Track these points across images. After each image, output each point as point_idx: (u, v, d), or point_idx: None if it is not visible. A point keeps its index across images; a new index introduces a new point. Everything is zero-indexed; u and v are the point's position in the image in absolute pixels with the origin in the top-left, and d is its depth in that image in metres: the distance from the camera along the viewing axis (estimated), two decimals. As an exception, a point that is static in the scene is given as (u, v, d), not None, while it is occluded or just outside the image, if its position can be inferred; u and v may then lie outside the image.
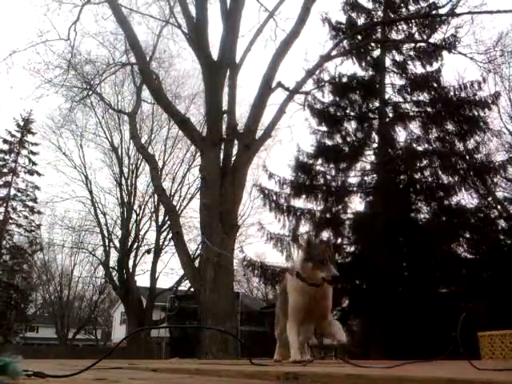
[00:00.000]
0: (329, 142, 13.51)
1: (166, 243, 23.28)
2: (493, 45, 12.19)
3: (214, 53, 11.04)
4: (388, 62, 13.84)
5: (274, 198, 13.12)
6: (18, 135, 26.77)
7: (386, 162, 12.93)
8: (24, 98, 24.80)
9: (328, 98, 13.75)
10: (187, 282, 15.54)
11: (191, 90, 21.99)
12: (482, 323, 7.42)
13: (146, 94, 16.92)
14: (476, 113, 12.57)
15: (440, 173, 12.66)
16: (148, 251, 23.40)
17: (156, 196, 21.08)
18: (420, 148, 13.10)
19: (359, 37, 13.77)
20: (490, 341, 5.72)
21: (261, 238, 13.37)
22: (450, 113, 12.76)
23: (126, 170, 23.76)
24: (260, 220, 14.82)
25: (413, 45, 13.66)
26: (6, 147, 26.53)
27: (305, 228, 13.10)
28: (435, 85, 13.16)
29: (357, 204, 13.33)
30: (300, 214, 12.97)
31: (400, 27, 13.77)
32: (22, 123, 26.74)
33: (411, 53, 13.68)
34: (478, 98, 12.59)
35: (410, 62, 13.66)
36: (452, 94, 12.92)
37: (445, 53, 13.06)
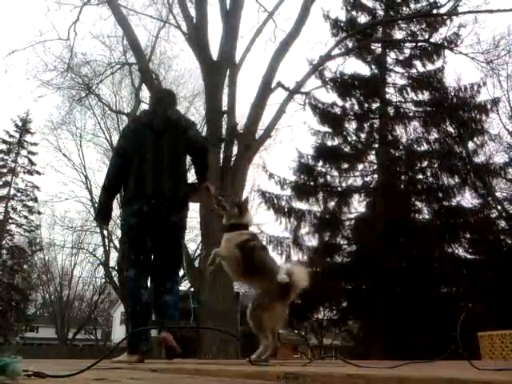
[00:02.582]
0: (330, 143, 13.51)
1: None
2: (494, 45, 12.19)
3: (214, 53, 11.05)
4: (389, 61, 13.85)
5: (275, 201, 13.10)
6: (17, 135, 26.81)
7: (387, 163, 12.94)
8: (23, 97, 24.81)
9: (330, 97, 13.77)
10: (187, 281, 15.54)
11: (190, 91, 21.96)
12: (481, 323, 7.42)
13: (144, 94, 16.95)
14: (475, 116, 12.57)
15: (440, 174, 12.66)
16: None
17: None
18: (421, 149, 13.11)
19: (360, 35, 13.76)
20: (490, 341, 5.72)
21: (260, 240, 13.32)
22: (449, 114, 12.77)
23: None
24: (259, 222, 14.84)
25: (414, 44, 13.66)
26: (5, 147, 26.58)
27: (305, 229, 13.11)
28: (437, 84, 13.16)
29: (357, 205, 13.35)
30: (301, 215, 12.96)
31: (401, 26, 13.78)
32: (20, 123, 26.77)
33: (413, 52, 13.68)
34: (478, 102, 12.59)
35: (411, 61, 13.67)
36: (452, 94, 12.92)
37: (447, 52, 13.07)
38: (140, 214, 3.23)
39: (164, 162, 3.31)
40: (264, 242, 12.78)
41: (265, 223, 14.85)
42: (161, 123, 3.40)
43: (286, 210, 13.00)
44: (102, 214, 3.55)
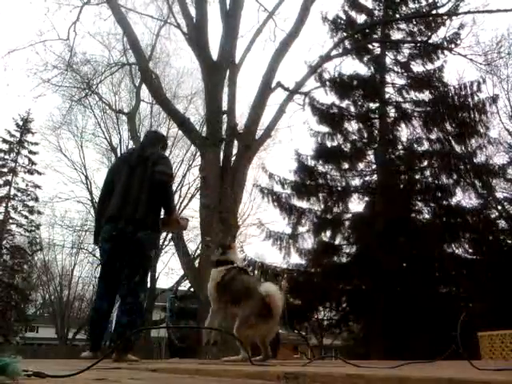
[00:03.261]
0: (330, 143, 13.50)
1: (165, 243, 23.27)
2: (493, 46, 12.20)
3: (214, 53, 11.05)
4: (388, 61, 13.84)
5: (275, 197, 13.11)
6: (18, 135, 26.79)
7: (387, 163, 12.93)
8: (22, 96, 24.85)
9: (329, 97, 13.76)
10: (187, 281, 15.53)
11: (190, 90, 21.97)
12: (481, 323, 7.41)
13: (144, 93, 16.96)
14: (474, 116, 12.55)
15: (440, 173, 12.65)
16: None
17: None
18: (421, 148, 13.09)
19: (359, 35, 13.76)
20: (490, 341, 5.72)
21: (259, 234, 13.42)
22: (449, 114, 12.74)
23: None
24: (260, 218, 14.94)
25: (413, 44, 13.65)
26: (5, 147, 26.57)
27: (306, 227, 13.14)
28: (437, 83, 13.13)
29: (357, 204, 13.35)
30: (301, 213, 12.98)
31: (400, 26, 13.76)
32: (20, 123, 26.75)
33: (412, 51, 13.66)
34: (477, 100, 12.55)
35: (411, 61, 13.65)
36: (452, 93, 12.90)
37: (446, 52, 13.05)
38: (111, 238, 3.72)
39: (132, 193, 3.77)
40: (264, 236, 12.93)
41: (270, 222, 14.93)
42: (135, 159, 3.93)
43: (286, 206, 13.05)
44: (96, 237, 4.01)
